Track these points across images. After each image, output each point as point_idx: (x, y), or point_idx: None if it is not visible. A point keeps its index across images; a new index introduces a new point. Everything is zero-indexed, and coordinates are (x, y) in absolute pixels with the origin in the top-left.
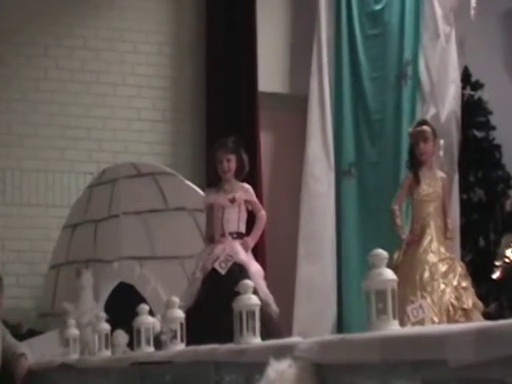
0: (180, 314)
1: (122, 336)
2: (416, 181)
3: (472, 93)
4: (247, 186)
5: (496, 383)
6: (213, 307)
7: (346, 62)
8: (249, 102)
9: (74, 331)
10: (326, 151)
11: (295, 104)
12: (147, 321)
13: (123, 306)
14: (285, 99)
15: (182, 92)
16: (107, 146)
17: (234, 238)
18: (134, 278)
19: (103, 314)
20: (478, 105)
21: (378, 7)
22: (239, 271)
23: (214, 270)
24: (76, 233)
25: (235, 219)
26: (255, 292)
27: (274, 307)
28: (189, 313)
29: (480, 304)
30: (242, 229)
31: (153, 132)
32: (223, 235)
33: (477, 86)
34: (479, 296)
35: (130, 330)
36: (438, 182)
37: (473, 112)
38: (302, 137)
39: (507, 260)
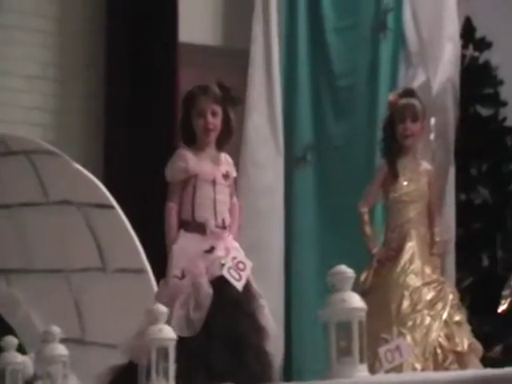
0: (63, 350)
1: None
2: (393, 174)
3: (476, 54)
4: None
5: None
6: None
7: (303, 6)
8: (166, 56)
9: None
10: (272, 128)
11: (231, 61)
12: (15, 359)
13: None
14: (217, 53)
15: (71, 39)
16: None
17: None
18: None
19: None
20: (485, 71)
21: None
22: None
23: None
24: None
25: (227, 203)
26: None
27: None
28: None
29: (479, 346)
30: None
31: (29, 93)
32: (222, 226)
33: (483, 44)
34: (479, 335)
35: None
36: (423, 177)
37: (477, 81)
38: (241, 107)
39: None
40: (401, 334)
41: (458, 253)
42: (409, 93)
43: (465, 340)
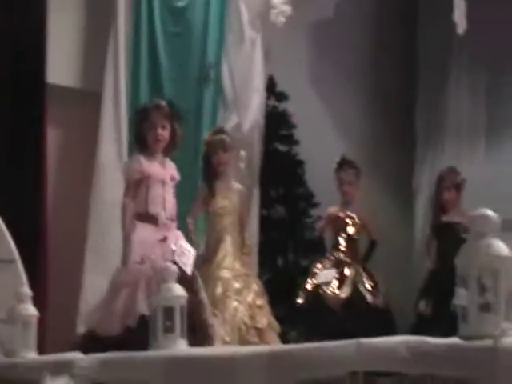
0: None
1: None
2: (211, 193)
3: (276, 104)
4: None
5: None
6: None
7: (145, 58)
8: (33, 94)
9: None
10: (119, 155)
11: (90, 101)
12: None
13: None
14: (77, 94)
15: None
16: None
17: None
18: None
19: None
20: (282, 117)
21: (181, 4)
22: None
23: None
24: None
25: (172, 201)
26: None
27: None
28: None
29: (276, 324)
30: None
31: None
32: (171, 219)
33: (281, 97)
34: (275, 317)
35: None
36: (235, 195)
37: (276, 124)
38: (93, 142)
39: (309, 287)
40: (214, 315)
41: (260, 255)
42: (220, 130)
43: (264, 319)
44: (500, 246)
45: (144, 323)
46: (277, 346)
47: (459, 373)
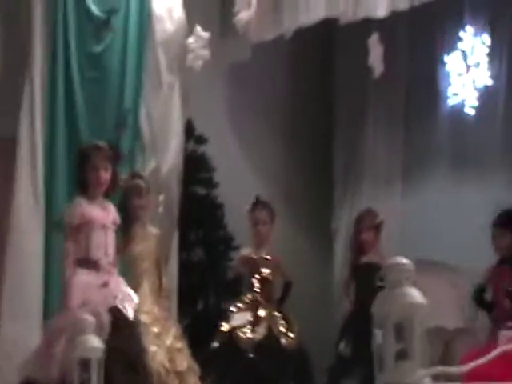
0: None
1: None
2: (128, 238)
3: (195, 147)
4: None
5: None
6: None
7: (62, 103)
8: None
9: None
10: (36, 203)
11: (6, 147)
12: None
13: None
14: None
15: None
16: None
17: None
18: None
19: None
20: (201, 160)
21: (99, 49)
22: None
23: (117, 310)
24: None
25: (113, 248)
26: None
27: None
28: None
29: (196, 367)
30: None
31: None
32: (112, 264)
33: (200, 140)
34: (196, 361)
35: None
36: (152, 239)
37: (195, 167)
38: (11, 184)
39: (224, 329)
40: None
41: (180, 299)
42: (136, 175)
43: (184, 362)
44: (414, 294)
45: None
46: None
47: None
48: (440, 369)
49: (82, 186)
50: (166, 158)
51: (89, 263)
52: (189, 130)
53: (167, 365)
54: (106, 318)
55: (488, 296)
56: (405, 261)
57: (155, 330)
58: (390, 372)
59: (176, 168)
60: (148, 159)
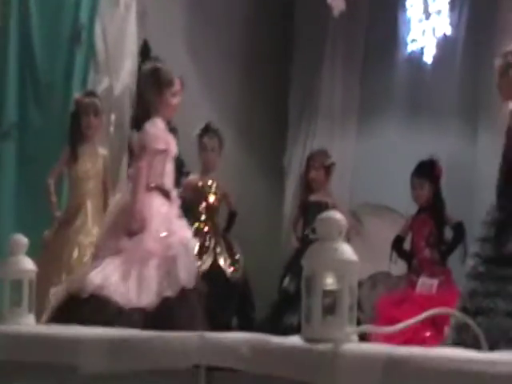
0: None
1: None
2: (74, 156)
3: None
4: None
5: None
6: None
7: (16, 13)
8: None
9: None
10: None
11: None
12: None
13: None
14: None
15: None
16: None
17: None
18: None
19: None
20: None
21: None
22: None
23: None
24: None
25: None
26: None
27: None
28: None
29: None
30: None
31: None
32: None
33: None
34: None
35: None
36: (99, 159)
37: None
38: None
39: None
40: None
41: None
42: (92, 93)
43: None
44: (345, 250)
45: (185, 295)
46: (122, 331)
47: (299, 375)
48: (369, 327)
49: (156, 107)
50: (119, 77)
51: (163, 192)
52: (144, 51)
53: None
54: (194, 246)
55: (406, 245)
56: (338, 215)
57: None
58: (316, 328)
59: (129, 89)
60: (101, 78)
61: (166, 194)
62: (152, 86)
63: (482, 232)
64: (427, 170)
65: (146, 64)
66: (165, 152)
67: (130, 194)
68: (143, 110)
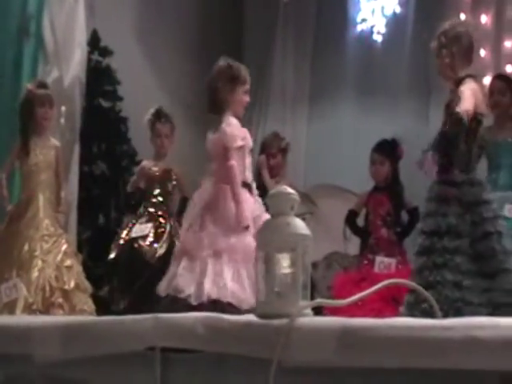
0: None
1: None
2: (26, 148)
3: (100, 59)
4: None
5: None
6: None
7: None
8: None
9: None
10: None
11: None
12: None
13: None
14: None
15: None
16: None
17: None
18: None
19: None
20: (106, 73)
21: None
22: None
23: None
24: None
25: None
26: None
27: None
28: None
29: (86, 285)
30: None
31: None
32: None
33: (106, 52)
34: (97, 277)
35: None
36: (51, 151)
37: (100, 80)
38: None
39: (122, 241)
40: (18, 275)
41: (80, 212)
42: (43, 85)
43: (72, 280)
44: (298, 225)
45: None
46: (73, 317)
47: (254, 351)
48: (321, 301)
49: (229, 105)
50: (69, 68)
51: (248, 187)
52: (94, 42)
53: (53, 282)
54: None
55: (360, 222)
56: (290, 190)
57: (45, 246)
58: (270, 303)
59: (79, 79)
60: (51, 69)
61: (249, 188)
62: (226, 83)
63: (426, 207)
64: (389, 149)
65: (220, 60)
66: (243, 147)
67: (215, 189)
68: (215, 106)
